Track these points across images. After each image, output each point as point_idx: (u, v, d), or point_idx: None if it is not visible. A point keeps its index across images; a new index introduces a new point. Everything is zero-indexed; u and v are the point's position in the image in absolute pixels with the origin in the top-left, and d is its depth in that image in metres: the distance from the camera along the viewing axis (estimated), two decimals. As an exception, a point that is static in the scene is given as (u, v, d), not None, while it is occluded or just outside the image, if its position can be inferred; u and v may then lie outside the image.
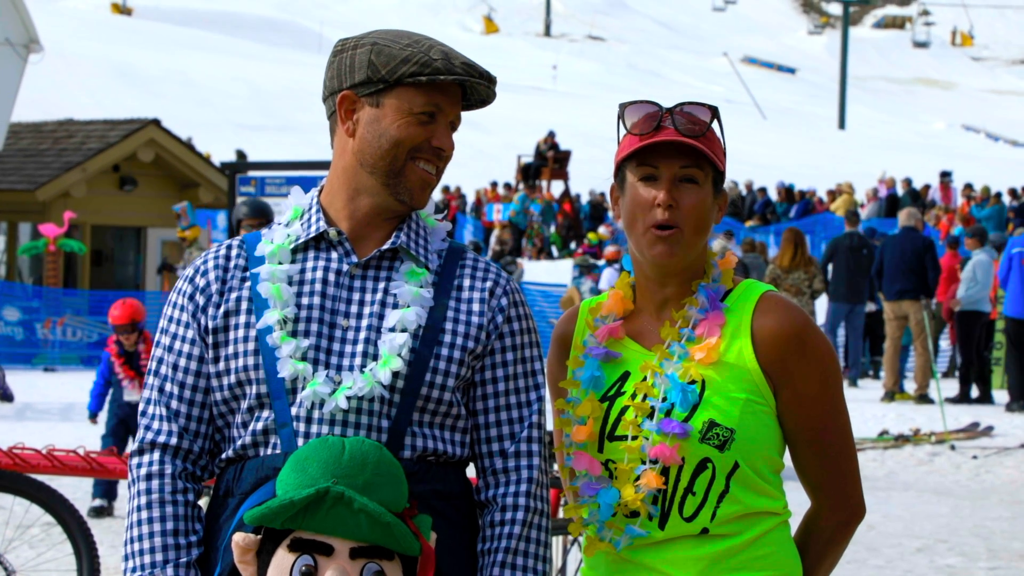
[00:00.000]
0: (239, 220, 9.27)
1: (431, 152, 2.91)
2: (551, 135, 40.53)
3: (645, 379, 2.99)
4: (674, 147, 2.97)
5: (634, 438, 2.96)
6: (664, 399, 2.96)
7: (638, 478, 2.95)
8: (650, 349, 3.02)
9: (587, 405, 3.01)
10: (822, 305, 18.97)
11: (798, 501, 3.06)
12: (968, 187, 35.76)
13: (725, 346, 2.97)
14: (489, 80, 2.95)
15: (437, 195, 36.21)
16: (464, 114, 3.02)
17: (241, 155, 34.91)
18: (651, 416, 2.96)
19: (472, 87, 2.96)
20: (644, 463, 2.95)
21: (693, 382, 2.95)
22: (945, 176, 36.58)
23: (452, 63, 2.89)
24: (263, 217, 9.33)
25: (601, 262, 26.04)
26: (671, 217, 2.97)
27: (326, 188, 3.00)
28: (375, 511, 2.60)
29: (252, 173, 16.15)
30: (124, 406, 10.38)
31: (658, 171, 2.98)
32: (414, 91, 2.90)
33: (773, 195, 36.63)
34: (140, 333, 10.32)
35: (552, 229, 36.02)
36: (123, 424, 10.34)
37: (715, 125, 3.02)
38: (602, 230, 33.56)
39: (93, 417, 10.67)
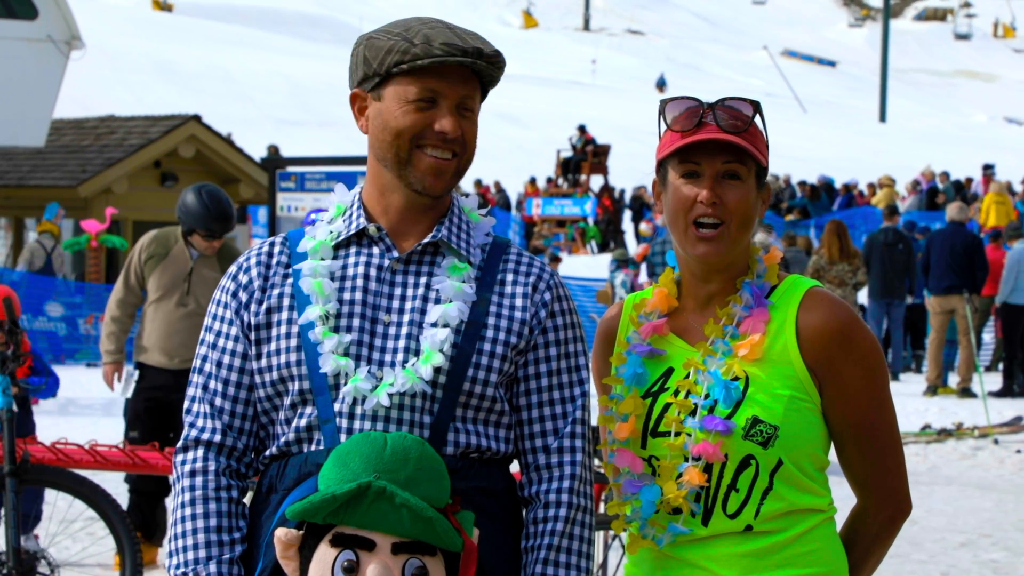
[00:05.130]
0: (190, 229, 8.12)
1: (436, 138, 2.87)
2: (581, 128, 40.26)
3: (688, 376, 2.98)
4: (716, 144, 2.95)
5: (677, 434, 2.95)
6: (707, 396, 2.94)
7: (680, 475, 2.94)
8: (694, 346, 3.01)
9: (630, 402, 3.00)
10: (862, 297, 18.84)
11: (843, 496, 3.04)
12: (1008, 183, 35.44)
13: (769, 342, 2.95)
14: (476, 56, 2.85)
15: (469, 188, 36.17)
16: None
17: (274, 150, 34.97)
18: (694, 413, 2.94)
19: (471, 66, 2.87)
20: (687, 460, 2.94)
21: (736, 379, 2.94)
22: (988, 169, 36.28)
23: (432, 47, 2.84)
24: (217, 232, 8.06)
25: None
26: (715, 214, 2.95)
27: (365, 185, 3.01)
28: (417, 506, 2.59)
29: (292, 168, 16.21)
30: None
31: (700, 168, 2.97)
32: (407, 80, 2.87)
33: (800, 189, 36.13)
34: (18, 333, 6.90)
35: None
36: None
37: (757, 119, 3.00)
38: (643, 226, 33.49)
39: None
